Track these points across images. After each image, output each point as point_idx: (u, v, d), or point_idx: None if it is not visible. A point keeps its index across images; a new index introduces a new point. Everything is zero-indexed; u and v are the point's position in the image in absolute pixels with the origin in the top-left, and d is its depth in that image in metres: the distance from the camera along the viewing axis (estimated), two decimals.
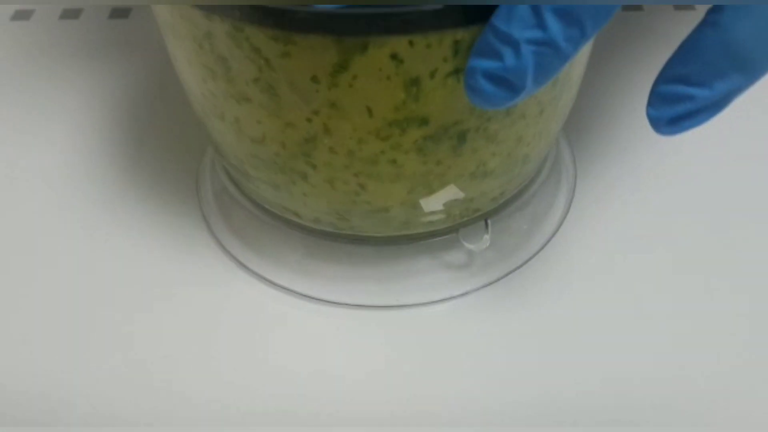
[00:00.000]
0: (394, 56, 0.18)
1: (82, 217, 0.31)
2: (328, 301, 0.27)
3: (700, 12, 0.17)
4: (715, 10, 0.16)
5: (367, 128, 0.20)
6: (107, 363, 0.25)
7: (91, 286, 0.28)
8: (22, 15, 0.41)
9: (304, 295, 0.27)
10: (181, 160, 0.33)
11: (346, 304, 0.26)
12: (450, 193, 0.24)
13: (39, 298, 0.28)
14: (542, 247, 0.28)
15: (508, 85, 0.18)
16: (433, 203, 0.24)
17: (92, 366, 0.25)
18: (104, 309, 0.27)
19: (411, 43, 0.18)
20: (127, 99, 0.36)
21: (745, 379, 0.24)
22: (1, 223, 0.30)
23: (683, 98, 0.17)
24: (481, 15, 0.18)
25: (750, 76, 0.17)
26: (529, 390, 0.24)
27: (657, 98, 0.18)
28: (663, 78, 0.17)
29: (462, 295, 0.27)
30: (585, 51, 0.24)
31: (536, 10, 0.17)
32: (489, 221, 0.26)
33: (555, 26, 0.17)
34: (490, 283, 0.27)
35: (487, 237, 0.26)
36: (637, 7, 0.39)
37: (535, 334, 0.26)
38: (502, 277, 0.27)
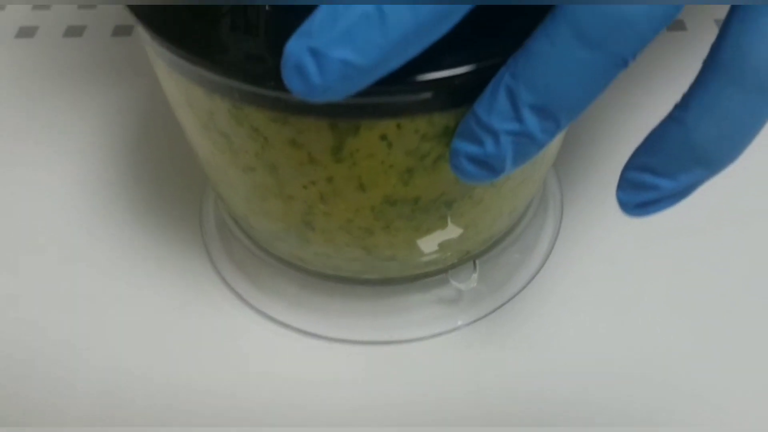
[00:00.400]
0: (383, 137, 0.20)
1: (83, 237, 0.32)
2: (322, 336, 0.28)
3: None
4: (680, 107, 0.18)
5: (361, 202, 0.21)
6: (101, 382, 0.27)
7: (89, 305, 0.30)
8: (26, 32, 0.42)
9: (299, 330, 0.28)
10: (185, 181, 0.34)
11: (340, 340, 0.28)
12: (446, 233, 0.25)
13: (40, 310, 0.29)
14: (532, 278, 0.30)
15: (489, 167, 0.19)
16: (430, 244, 0.25)
17: (89, 382, 0.27)
18: (102, 328, 0.29)
19: (399, 126, 0.19)
20: (131, 117, 0.37)
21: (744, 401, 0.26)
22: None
23: (649, 187, 0.18)
24: (464, 100, 0.19)
25: (712, 170, 0.18)
26: (521, 422, 0.26)
27: (625, 183, 0.19)
28: (631, 165, 0.19)
29: (452, 330, 0.28)
30: None
31: (515, 105, 0.18)
32: (477, 262, 0.28)
33: (531, 120, 0.18)
34: (481, 318, 0.28)
35: (475, 276, 0.28)
36: None
37: (525, 366, 0.27)
38: (493, 311, 0.29)
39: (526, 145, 0.18)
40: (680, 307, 0.29)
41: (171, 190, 0.34)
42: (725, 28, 0.17)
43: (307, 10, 0.17)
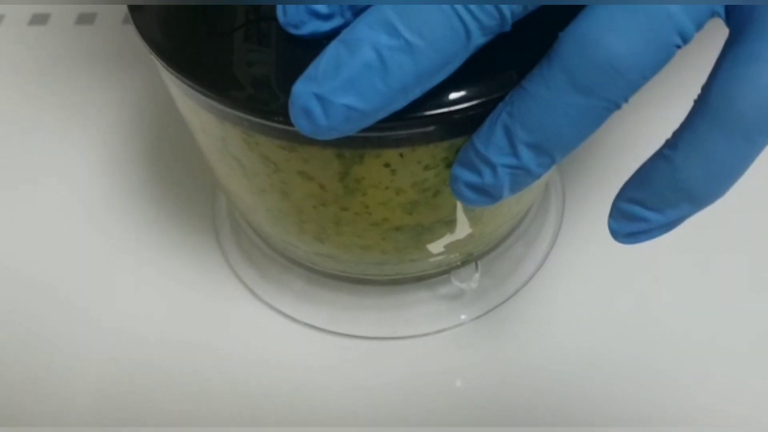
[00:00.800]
0: (387, 165, 0.21)
1: (95, 222, 0.34)
2: (327, 330, 0.29)
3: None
4: (670, 146, 0.18)
5: (368, 222, 0.23)
6: (110, 368, 0.29)
7: (101, 289, 0.31)
8: (39, 20, 0.43)
9: (305, 323, 0.30)
10: (200, 171, 0.34)
11: (345, 334, 0.29)
12: (453, 236, 0.26)
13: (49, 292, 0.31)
14: (536, 272, 0.31)
15: (487, 194, 0.20)
16: (436, 246, 0.26)
17: (98, 369, 0.29)
18: (111, 313, 0.30)
19: (401, 155, 0.20)
20: (143, 107, 0.38)
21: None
22: (16, 242, 0.33)
23: (638, 219, 0.19)
24: (464, 131, 0.20)
25: (699, 206, 0.19)
26: (520, 416, 0.27)
27: (617, 212, 0.20)
28: (622, 196, 0.19)
29: (456, 326, 0.29)
30: None
31: (511, 141, 0.19)
32: (479, 263, 0.29)
33: (527, 155, 0.19)
34: (484, 314, 0.30)
35: (477, 276, 0.29)
36: None
37: (527, 360, 0.28)
38: (496, 307, 0.30)
39: (523, 177, 0.19)
40: (683, 302, 0.30)
41: (185, 179, 0.35)
42: (715, 72, 0.17)
43: (317, 44, 0.18)
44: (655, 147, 0.19)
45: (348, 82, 0.17)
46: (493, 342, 0.29)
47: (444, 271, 0.29)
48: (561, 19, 0.18)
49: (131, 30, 0.42)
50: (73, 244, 0.33)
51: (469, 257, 0.28)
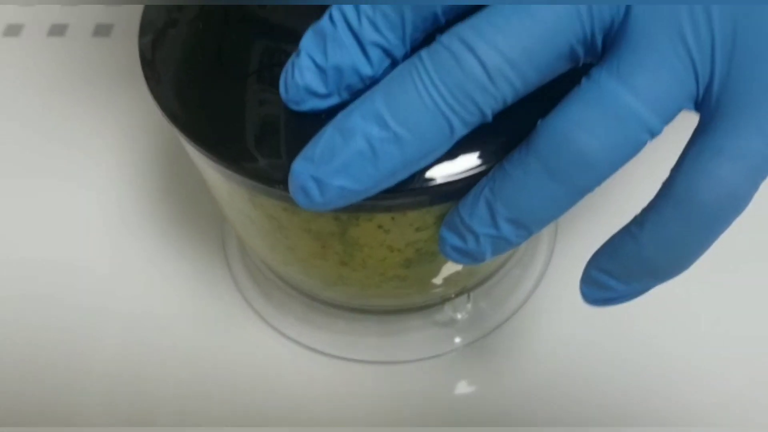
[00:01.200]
0: (380, 227, 0.22)
1: (109, 237, 0.35)
2: (326, 353, 0.31)
3: None
4: (637, 223, 0.20)
5: (366, 274, 0.24)
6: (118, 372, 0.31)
7: (110, 303, 0.33)
8: (57, 30, 0.44)
9: (306, 346, 0.32)
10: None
11: (343, 358, 0.31)
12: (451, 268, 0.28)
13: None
14: (531, 293, 0.32)
15: (472, 257, 0.21)
16: (437, 278, 0.28)
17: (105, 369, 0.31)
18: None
19: (393, 218, 0.22)
20: (155, 122, 0.40)
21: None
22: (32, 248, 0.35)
23: (606, 287, 0.21)
24: (451, 197, 0.21)
25: (662, 280, 0.20)
26: None
27: (587, 278, 0.21)
28: (592, 264, 0.21)
29: (451, 351, 0.31)
30: None
31: (492, 215, 0.20)
32: (471, 294, 0.31)
33: (507, 228, 0.20)
34: (479, 339, 0.31)
35: (469, 306, 0.31)
36: None
37: (520, 383, 0.30)
38: (491, 332, 0.31)
39: (503, 245, 0.21)
40: (679, 318, 0.31)
41: (197, 198, 0.36)
42: (681, 161, 0.19)
43: (317, 118, 0.20)
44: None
45: (342, 167, 0.19)
46: (489, 365, 0.31)
47: (438, 303, 0.30)
48: (541, 106, 0.19)
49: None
50: (83, 249, 0.35)
51: (463, 289, 0.30)
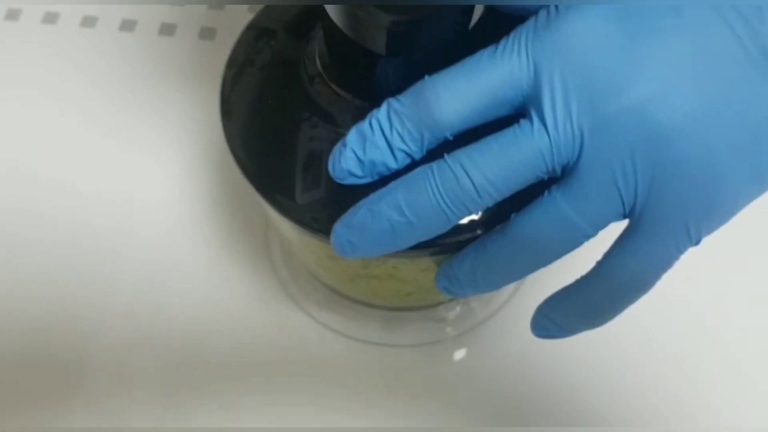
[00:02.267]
0: (395, 267, 0.30)
1: (161, 226, 0.42)
2: (342, 333, 0.39)
3: None
4: (574, 286, 0.27)
5: (386, 293, 0.33)
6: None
7: (156, 297, 0.40)
8: (127, 25, 0.51)
9: (326, 325, 0.39)
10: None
11: (356, 339, 0.39)
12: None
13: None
14: (510, 298, 0.40)
15: (457, 294, 0.30)
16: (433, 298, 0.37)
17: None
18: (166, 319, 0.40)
19: (404, 262, 0.30)
20: (208, 120, 0.46)
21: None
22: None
23: (548, 329, 0.29)
24: (444, 252, 0.29)
25: (592, 328, 0.28)
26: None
27: (535, 320, 0.29)
28: (540, 310, 0.28)
29: (442, 340, 0.39)
30: None
31: (473, 275, 0.28)
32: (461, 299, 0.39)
33: (484, 286, 0.28)
34: (466, 331, 0.39)
35: (458, 308, 0.39)
36: None
37: (512, 368, 0.37)
38: (476, 326, 0.39)
39: (482, 292, 0.29)
40: (671, 310, 0.36)
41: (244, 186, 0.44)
42: (609, 252, 0.26)
43: (354, 189, 0.27)
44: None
45: (370, 238, 0.26)
46: (475, 350, 0.39)
47: (433, 305, 0.39)
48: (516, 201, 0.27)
49: (207, 45, 0.49)
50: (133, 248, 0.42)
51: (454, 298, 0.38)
